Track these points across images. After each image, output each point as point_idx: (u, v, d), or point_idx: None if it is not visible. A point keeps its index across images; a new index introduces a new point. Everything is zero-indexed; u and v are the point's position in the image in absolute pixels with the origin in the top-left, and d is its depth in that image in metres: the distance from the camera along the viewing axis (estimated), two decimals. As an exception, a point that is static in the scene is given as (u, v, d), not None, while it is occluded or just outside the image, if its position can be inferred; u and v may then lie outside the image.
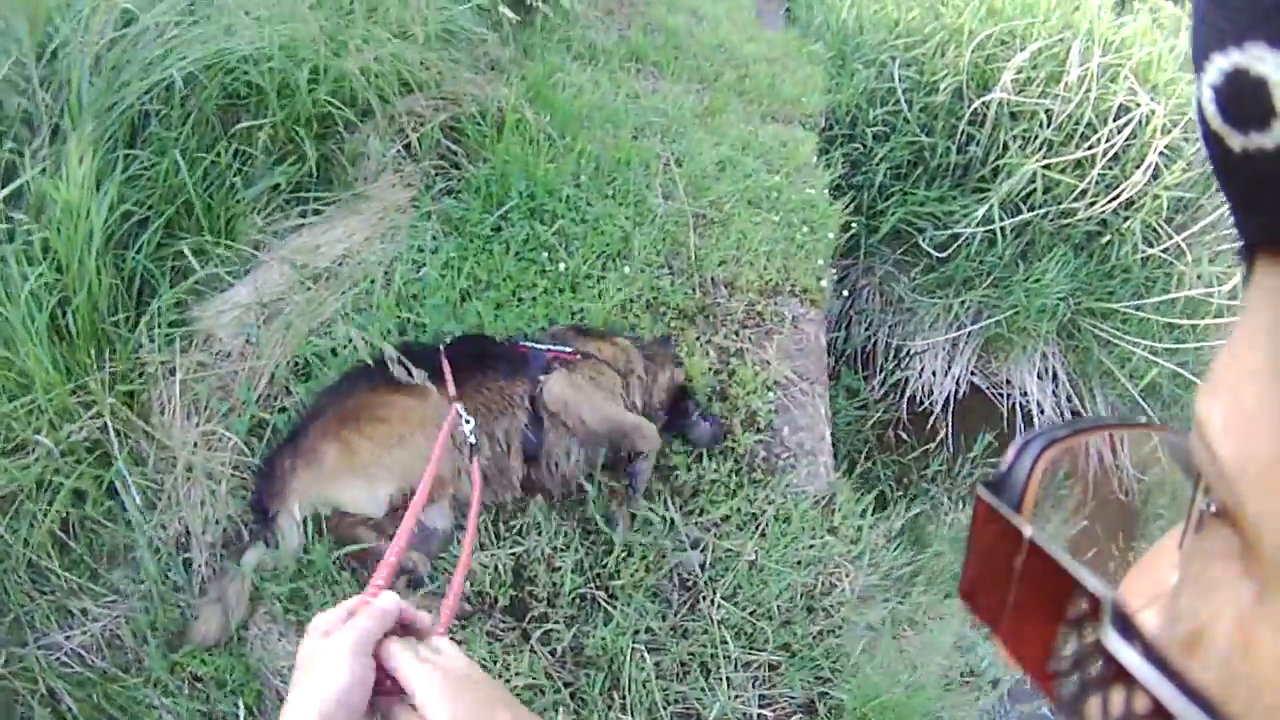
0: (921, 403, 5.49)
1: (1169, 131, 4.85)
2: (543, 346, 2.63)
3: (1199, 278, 5.26)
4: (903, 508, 3.31)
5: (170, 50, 2.72)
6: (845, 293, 5.34)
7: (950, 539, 3.96)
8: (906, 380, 5.48)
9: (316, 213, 3.04)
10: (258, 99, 2.91)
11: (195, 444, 2.43)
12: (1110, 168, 4.91)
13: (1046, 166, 4.91)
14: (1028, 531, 0.36)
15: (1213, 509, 0.34)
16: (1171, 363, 5.21)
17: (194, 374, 2.53)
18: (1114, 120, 4.83)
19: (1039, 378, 5.68)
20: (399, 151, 3.28)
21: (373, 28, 3.13)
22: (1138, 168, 4.83)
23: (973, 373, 5.69)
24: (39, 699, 2.13)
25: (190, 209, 2.78)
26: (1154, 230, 5.19)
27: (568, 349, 2.64)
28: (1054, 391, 5.73)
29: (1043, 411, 5.62)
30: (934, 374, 5.51)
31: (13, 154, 2.53)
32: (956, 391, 5.57)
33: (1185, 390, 5.42)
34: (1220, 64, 0.29)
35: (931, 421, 5.42)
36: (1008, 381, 5.71)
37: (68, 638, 2.24)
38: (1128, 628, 0.31)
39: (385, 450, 2.30)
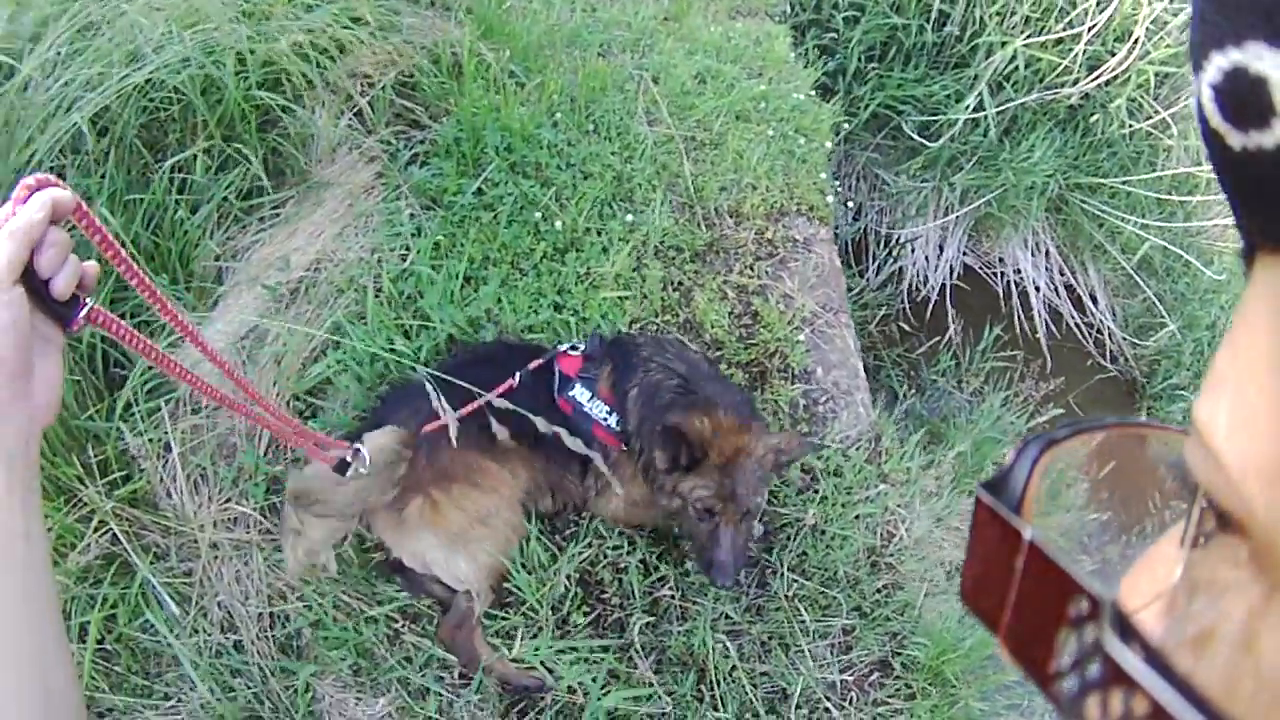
0: (918, 290, 5.41)
1: (1153, 3, 4.68)
2: (587, 406, 2.25)
3: (1185, 151, 5.20)
4: (950, 450, 3.24)
5: (67, 90, 2.34)
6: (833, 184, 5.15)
7: (973, 436, 3.90)
8: (902, 269, 5.38)
9: (275, 216, 2.71)
10: (183, 109, 2.55)
11: (214, 523, 2.22)
12: (1093, 43, 4.74)
13: (1028, 45, 4.72)
14: (1028, 533, 0.36)
15: (1216, 508, 0.34)
16: (1163, 238, 5.20)
17: (189, 444, 2.26)
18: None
19: (1032, 255, 5.62)
20: (350, 123, 2.93)
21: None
22: (1120, 41, 4.66)
23: (965, 254, 5.60)
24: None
25: (139, 256, 2.44)
26: (1138, 104, 5.10)
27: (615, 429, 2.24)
28: (1046, 268, 5.69)
29: (1038, 289, 5.59)
30: (927, 259, 5.41)
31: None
32: (951, 274, 5.50)
33: (1177, 264, 5.46)
34: (1220, 63, 0.29)
35: (931, 309, 5.38)
36: (1000, 260, 5.65)
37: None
38: (1127, 629, 0.30)
39: (484, 525, 2.13)
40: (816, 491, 2.64)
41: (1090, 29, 4.65)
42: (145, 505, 2.22)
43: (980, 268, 5.66)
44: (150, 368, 2.30)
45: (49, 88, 2.34)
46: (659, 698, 2.21)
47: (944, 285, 5.42)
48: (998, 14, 4.82)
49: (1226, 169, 0.31)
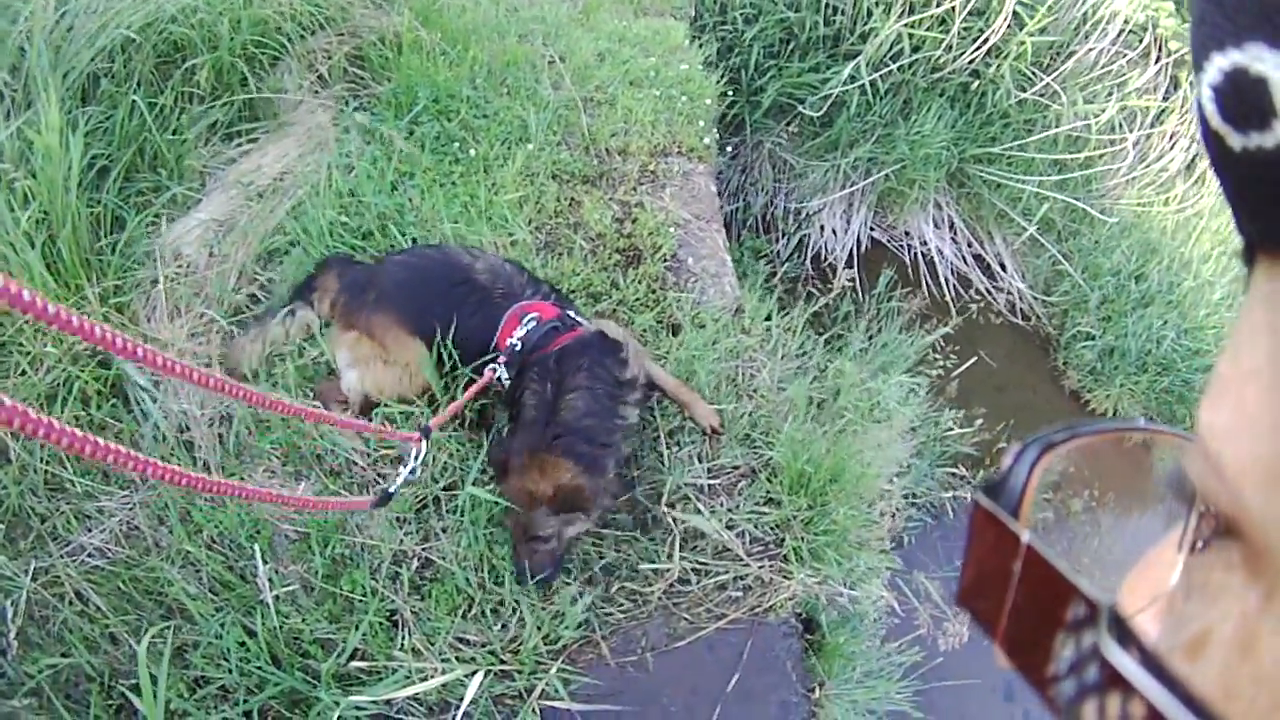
0: (826, 259, 6.32)
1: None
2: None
3: (1076, 115, 6.15)
4: (803, 309, 4.07)
5: (107, 21, 3.40)
6: (740, 169, 6.10)
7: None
8: (809, 237, 6.31)
9: (251, 142, 3.77)
10: (189, 51, 3.63)
11: (185, 337, 3.06)
12: (973, 20, 5.73)
13: (911, 25, 5.70)
14: (1025, 537, 0.38)
15: (1214, 512, 0.36)
16: (1063, 195, 6.11)
17: (172, 281, 3.16)
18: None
19: (935, 226, 6.55)
20: (313, 83, 4.01)
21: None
22: (999, 17, 5.66)
23: (872, 228, 6.55)
24: (68, 603, 2.37)
25: (144, 152, 3.47)
26: (1025, 75, 6.08)
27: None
28: (953, 238, 6.61)
29: (944, 255, 6.50)
30: (834, 232, 6.35)
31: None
32: (859, 247, 6.42)
33: (1080, 223, 6.35)
34: (1220, 64, 0.31)
35: (838, 275, 6.13)
36: (907, 233, 6.58)
37: (89, 538, 2.52)
38: (1125, 633, 0.32)
39: (380, 365, 2.88)
40: (678, 333, 3.37)
41: (965, 4, 5.59)
42: (130, 316, 3.02)
43: (888, 241, 6.59)
44: (146, 230, 3.28)
45: (94, 17, 3.40)
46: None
47: (851, 255, 6.31)
48: (882, 1, 5.81)
49: (1226, 170, 0.32)
